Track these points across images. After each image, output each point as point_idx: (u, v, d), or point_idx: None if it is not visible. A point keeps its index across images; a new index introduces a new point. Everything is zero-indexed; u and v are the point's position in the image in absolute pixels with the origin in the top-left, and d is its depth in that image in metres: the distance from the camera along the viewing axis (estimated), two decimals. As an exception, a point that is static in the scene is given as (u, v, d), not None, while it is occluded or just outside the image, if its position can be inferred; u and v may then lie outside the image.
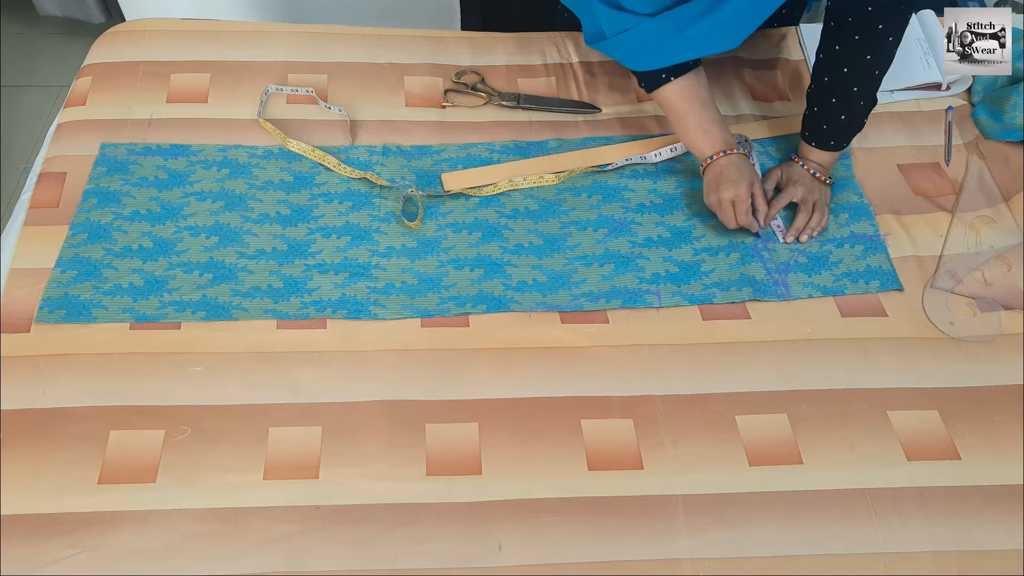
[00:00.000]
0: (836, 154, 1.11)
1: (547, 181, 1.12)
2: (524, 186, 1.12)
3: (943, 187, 1.14)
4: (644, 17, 1.01)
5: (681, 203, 1.11)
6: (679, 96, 1.07)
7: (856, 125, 1.08)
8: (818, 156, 1.10)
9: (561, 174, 1.13)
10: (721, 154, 1.05)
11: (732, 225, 1.05)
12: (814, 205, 1.08)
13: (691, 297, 1.02)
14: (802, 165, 1.10)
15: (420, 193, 1.09)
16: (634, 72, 1.10)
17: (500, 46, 1.32)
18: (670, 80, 1.06)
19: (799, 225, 1.07)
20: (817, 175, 1.10)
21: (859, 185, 1.14)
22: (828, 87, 1.06)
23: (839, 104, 1.06)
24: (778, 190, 1.11)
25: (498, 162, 1.15)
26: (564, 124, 1.21)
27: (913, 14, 1.33)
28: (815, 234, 1.07)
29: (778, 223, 1.09)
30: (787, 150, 1.16)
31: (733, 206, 1.04)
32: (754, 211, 1.06)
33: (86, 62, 1.26)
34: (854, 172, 1.15)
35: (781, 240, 1.08)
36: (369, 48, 1.29)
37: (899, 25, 1.01)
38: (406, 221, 1.07)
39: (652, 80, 1.07)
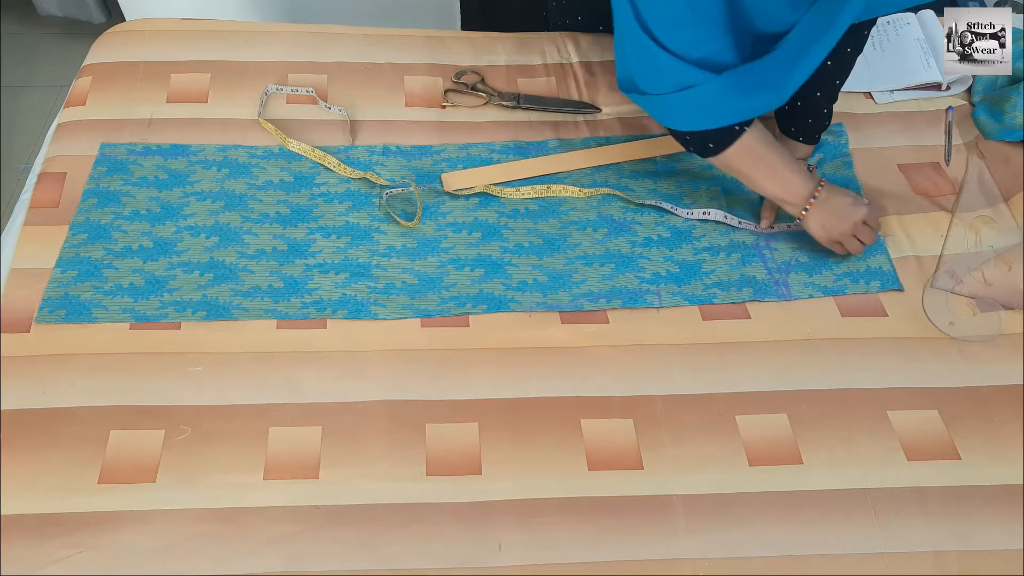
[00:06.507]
0: (813, 147, 1.12)
1: (570, 193, 1.11)
2: (548, 195, 1.11)
3: (943, 187, 1.14)
4: (707, 74, 0.90)
5: (681, 203, 1.11)
6: (755, 145, 0.97)
7: (831, 114, 1.10)
8: (802, 151, 1.11)
9: (588, 190, 1.11)
10: (819, 189, 0.99)
11: (859, 251, 1.02)
12: None
13: (691, 297, 1.02)
14: None
15: (419, 188, 1.09)
16: (692, 135, 0.98)
17: (500, 46, 1.31)
18: (743, 131, 0.96)
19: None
20: (811, 169, 1.11)
21: (860, 186, 1.14)
22: (811, 81, 1.03)
23: (824, 96, 1.07)
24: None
25: (498, 162, 1.15)
26: (564, 124, 1.21)
27: (913, 14, 1.33)
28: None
29: (776, 228, 1.09)
30: None
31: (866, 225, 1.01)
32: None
33: (86, 62, 1.26)
34: (855, 173, 1.15)
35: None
36: (369, 48, 1.29)
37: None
38: (402, 221, 1.07)
39: (722, 137, 0.96)
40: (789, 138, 1.11)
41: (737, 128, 0.96)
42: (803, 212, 1.01)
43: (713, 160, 1.01)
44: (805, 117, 1.09)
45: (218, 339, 0.95)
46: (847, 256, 1.05)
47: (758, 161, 1.00)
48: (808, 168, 1.11)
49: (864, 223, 1.01)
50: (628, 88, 0.96)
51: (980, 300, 1.02)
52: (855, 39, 1.03)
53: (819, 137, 1.11)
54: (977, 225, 1.09)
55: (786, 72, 0.90)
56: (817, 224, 1.01)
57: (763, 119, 1.20)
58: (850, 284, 1.03)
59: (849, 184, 1.14)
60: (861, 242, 1.02)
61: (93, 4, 2.03)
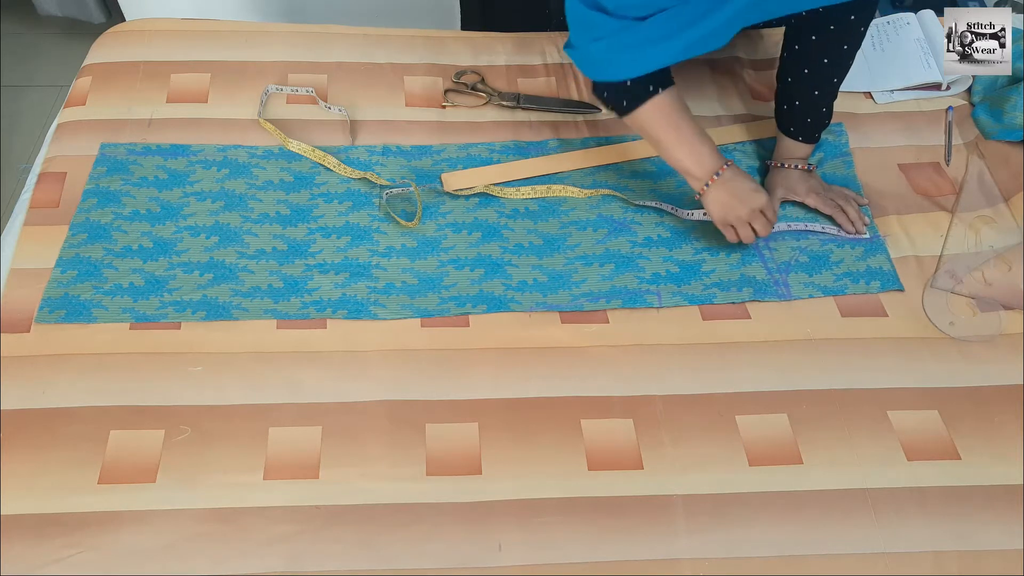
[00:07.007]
0: (813, 146, 1.12)
1: (570, 193, 1.11)
2: (549, 195, 1.11)
3: (943, 187, 1.14)
4: (631, 21, 0.92)
5: (681, 203, 1.11)
6: (669, 109, 0.98)
7: (831, 112, 1.10)
8: (802, 150, 1.10)
9: (588, 191, 1.11)
10: (725, 168, 0.99)
11: (752, 240, 1.02)
12: (832, 199, 1.09)
13: (691, 297, 1.02)
14: (795, 167, 1.10)
15: (419, 188, 1.09)
16: (609, 89, 1.00)
17: (500, 46, 1.32)
18: (658, 92, 0.97)
19: (853, 215, 1.08)
20: (811, 168, 1.11)
21: (860, 186, 1.14)
22: (809, 80, 1.06)
23: (822, 95, 1.07)
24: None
25: (498, 162, 1.15)
26: (564, 124, 1.21)
27: (913, 14, 1.33)
28: (864, 219, 1.08)
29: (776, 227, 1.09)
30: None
31: (763, 215, 1.00)
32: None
33: (86, 62, 1.26)
34: (856, 172, 1.15)
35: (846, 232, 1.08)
36: (369, 48, 1.29)
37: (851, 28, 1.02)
38: (402, 221, 1.07)
39: (636, 93, 0.98)
40: (788, 137, 1.11)
41: (651, 88, 0.97)
42: (704, 188, 1.00)
43: (628, 120, 1.01)
44: (803, 116, 1.09)
45: (218, 339, 0.95)
46: (846, 256, 1.06)
47: (668, 126, 0.99)
48: (808, 168, 1.10)
49: (762, 212, 1.00)
50: (567, 45, 0.98)
51: (980, 300, 1.02)
52: (851, 35, 1.03)
53: (819, 136, 1.11)
54: (977, 225, 1.09)
55: (705, 12, 0.90)
56: (716, 202, 1.00)
57: (765, 118, 1.20)
58: (850, 284, 1.03)
59: (849, 183, 1.14)
60: (755, 231, 1.01)
61: (93, 4, 2.03)
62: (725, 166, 0.99)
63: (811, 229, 1.08)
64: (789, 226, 1.08)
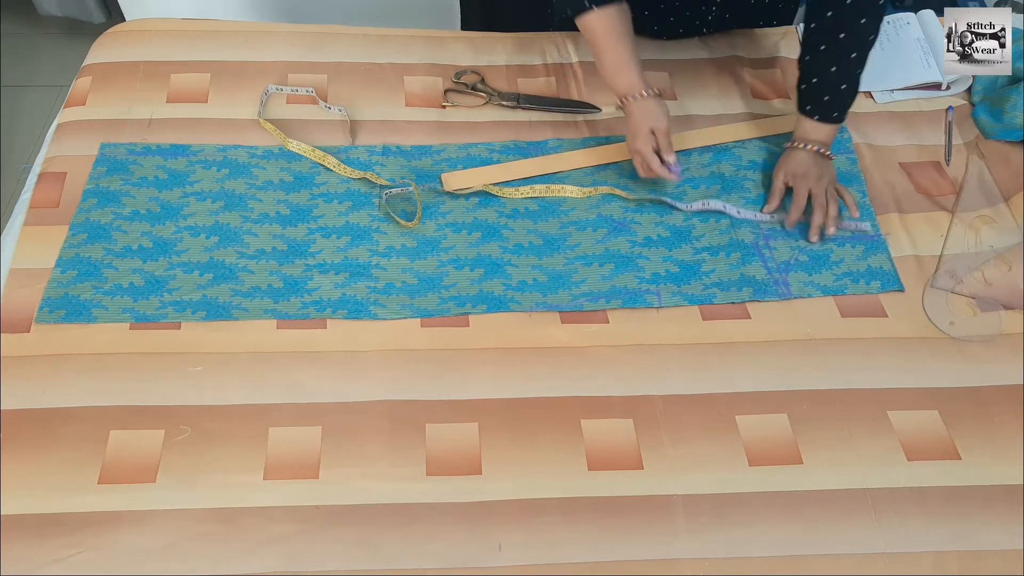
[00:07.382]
0: (836, 128, 1.10)
1: (569, 193, 1.11)
2: (548, 195, 1.11)
3: (944, 187, 1.14)
4: None
5: (681, 198, 1.11)
6: (598, 27, 1.04)
7: (854, 90, 1.08)
8: (819, 132, 1.09)
9: (587, 189, 1.12)
10: (629, 99, 1.04)
11: (646, 170, 1.06)
12: (826, 193, 1.07)
13: (691, 297, 1.02)
14: (803, 147, 1.09)
15: (419, 188, 1.09)
16: None
17: (500, 46, 1.32)
18: (592, 8, 1.04)
19: (818, 223, 1.06)
20: (821, 151, 1.09)
21: (863, 182, 1.14)
22: (826, 55, 1.05)
23: (841, 71, 1.05)
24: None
25: (498, 162, 1.15)
26: (564, 124, 1.21)
27: (913, 14, 1.33)
28: (837, 223, 1.06)
29: (774, 217, 1.09)
30: (777, 151, 1.16)
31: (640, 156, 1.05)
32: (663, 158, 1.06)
33: (86, 62, 1.26)
34: (860, 169, 1.15)
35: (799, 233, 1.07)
36: (369, 48, 1.30)
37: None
38: (402, 221, 1.07)
39: (576, 5, 1.04)
40: (805, 116, 1.09)
41: (586, 3, 1.02)
42: (622, 106, 1.05)
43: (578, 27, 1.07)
44: (821, 94, 1.07)
45: (218, 339, 0.95)
46: (846, 255, 1.06)
47: (601, 43, 1.05)
48: (819, 150, 1.09)
49: (662, 136, 1.03)
50: None
51: (980, 300, 1.02)
52: (868, 6, 1.00)
53: (838, 117, 1.08)
54: (977, 225, 1.09)
55: None
56: (627, 123, 1.05)
57: (766, 116, 1.20)
58: (850, 284, 1.03)
59: (853, 179, 1.14)
60: (657, 165, 1.04)
61: (93, 4, 2.03)
62: (644, 93, 1.03)
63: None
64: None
